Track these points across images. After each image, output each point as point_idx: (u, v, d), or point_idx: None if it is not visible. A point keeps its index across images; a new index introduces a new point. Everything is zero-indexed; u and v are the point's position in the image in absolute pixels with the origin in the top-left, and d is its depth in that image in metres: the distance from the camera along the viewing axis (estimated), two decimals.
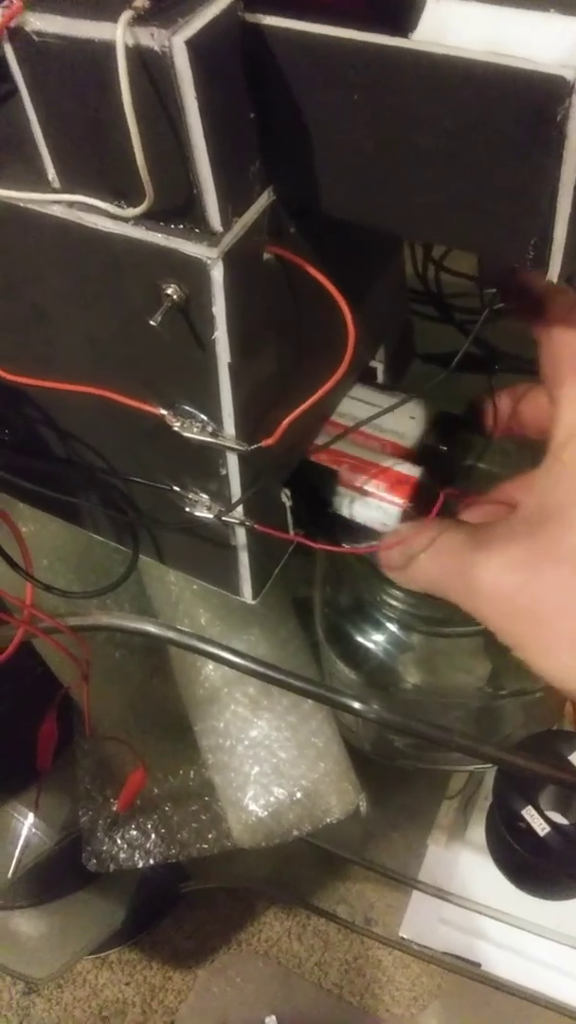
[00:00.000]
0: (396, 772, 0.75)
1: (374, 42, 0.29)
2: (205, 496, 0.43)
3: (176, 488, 0.44)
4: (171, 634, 0.48)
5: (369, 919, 0.95)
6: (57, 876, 0.69)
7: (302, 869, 0.97)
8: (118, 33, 0.29)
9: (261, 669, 0.45)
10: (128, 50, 0.29)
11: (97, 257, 0.37)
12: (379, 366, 0.52)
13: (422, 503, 0.44)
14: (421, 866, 0.81)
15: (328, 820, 0.65)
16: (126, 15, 0.29)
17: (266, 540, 0.45)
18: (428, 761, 0.72)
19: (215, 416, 0.39)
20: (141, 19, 0.29)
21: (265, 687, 0.65)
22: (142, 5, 0.29)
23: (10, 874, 0.64)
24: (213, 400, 0.39)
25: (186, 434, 0.40)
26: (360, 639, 0.60)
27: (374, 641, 0.60)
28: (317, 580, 0.62)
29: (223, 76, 0.30)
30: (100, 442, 0.46)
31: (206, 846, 0.66)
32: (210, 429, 0.40)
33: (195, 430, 0.40)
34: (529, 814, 0.67)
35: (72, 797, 0.66)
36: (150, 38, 0.29)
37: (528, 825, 0.67)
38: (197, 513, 0.43)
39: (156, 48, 0.29)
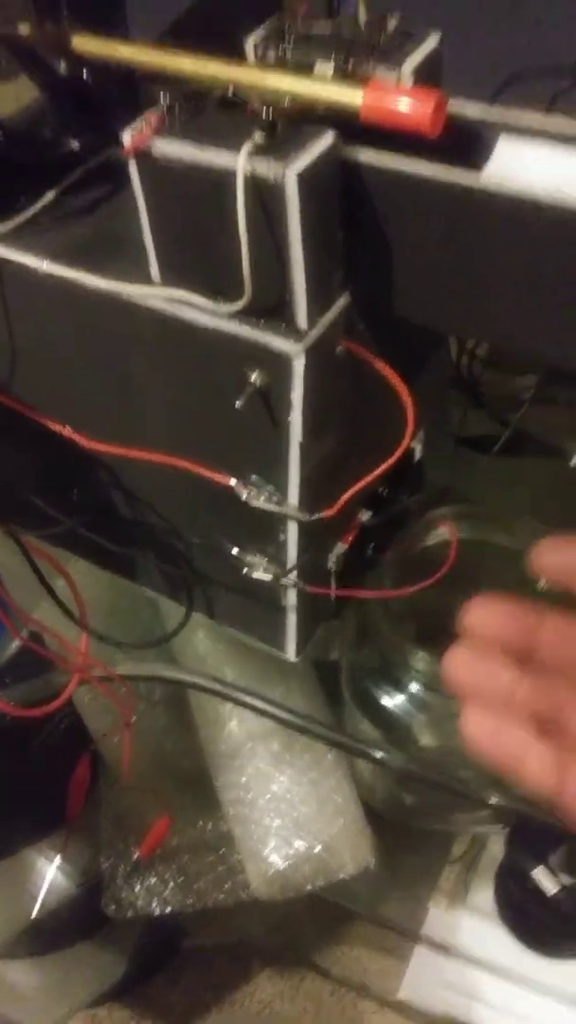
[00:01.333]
0: (403, 832, 0.77)
1: (454, 181, 0.34)
2: (262, 558, 0.47)
3: (235, 550, 0.48)
4: (217, 687, 0.52)
5: (365, 982, 0.96)
6: (66, 925, 0.70)
7: (300, 928, 0.98)
8: (240, 163, 0.34)
9: (307, 725, 0.48)
10: (246, 177, 0.34)
11: (189, 344, 0.41)
12: (418, 446, 0.56)
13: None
14: (423, 926, 0.83)
15: (341, 876, 0.67)
16: (247, 147, 0.34)
17: (313, 601, 0.49)
18: (439, 821, 0.75)
19: (281, 487, 0.43)
20: (259, 151, 0.34)
21: (288, 743, 0.68)
22: (260, 140, 0.34)
23: (33, 914, 0.66)
24: (281, 473, 0.43)
25: (253, 502, 0.44)
26: (384, 699, 0.63)
27: (397, 701, 0.63)
28: (345, 640, 0.65)
29: (323, 202, 0.35)
30: (165, 504, 0.50)
31: (222, 896, 0.68)
32: (275, 499, 0.44)
33: (261, 499, 0.44)
34: (540, 873, 0.69)
35: (94, 843, 0.68)
36: (266, 169, 0.34)
37: (538, 884, 0.70)
38: (254, 574, 0.47)
39: (271, 177, 0.34)
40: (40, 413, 0.50)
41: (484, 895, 0.82)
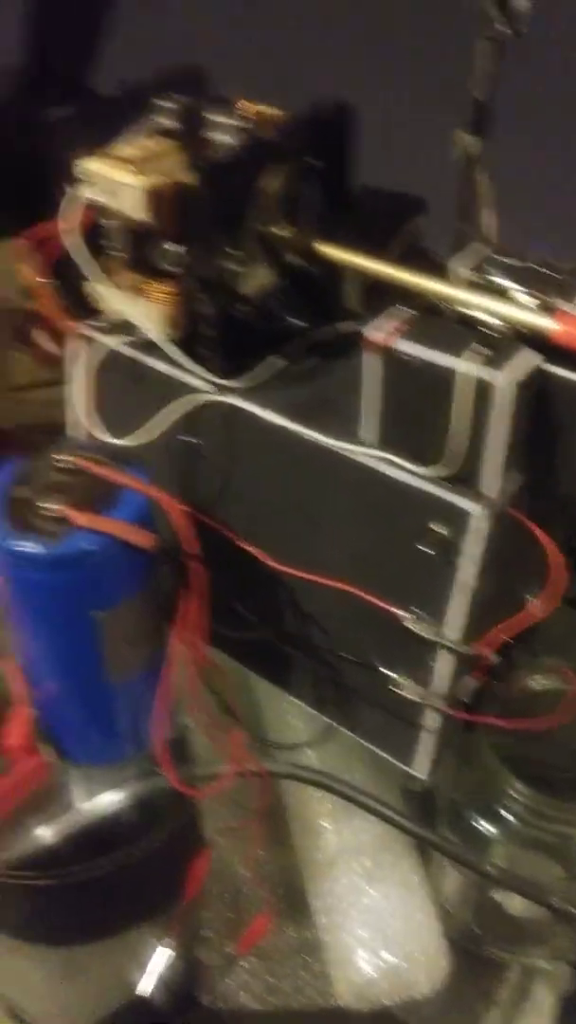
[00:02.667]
0: (471, 959, 0.81)
1: None
2: (410, 681, 0.55)
3: (384, 669, 0.56)
4: (346, 790, 0.58)
5: None
6: (159, 1008, 0.74)
7: None
8: (467, 367, 0.44)
9: (431, 836, 0.55)
10: (469, 379, 0.44)
11: (384, 495, 0.51)
12: None
13: None
14: None
15: (417, 993, 0.71)
16: (472, 356, 0.44)
17: (451, 724, 0.56)
18: (516, 953, 0.78)
19: (442, 620, 0.52)
20: (480, 359, 0.44)
21: (378, 860, 0.74)
22: (482, 350, 0.44)
23: (148, 991, 0.70)
24: (446, 609, 0.51)
25: (415, 631, 0.52)
26: (480, 825, 0.69)
27: (491, 830, 0.69)
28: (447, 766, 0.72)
29: (526, 403, 0.45)
30: (326, 620, 0.59)
31: (305, 1001, 0.72)
32: (435, 630, 0.52)
33: (423, 629, 0.52)
34: None
35: (193, 931, 0.73)
36: (488, 375, 0.44)
37: None
38: (403, 693, 0.55)
39: (492, 382, 0.43)
40: (231, 532, 0.59)
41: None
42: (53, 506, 0.50)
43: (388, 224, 0.64)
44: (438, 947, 0.73)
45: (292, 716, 0.77)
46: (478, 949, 0.79)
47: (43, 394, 2.13)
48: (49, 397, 2.23)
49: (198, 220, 0.51)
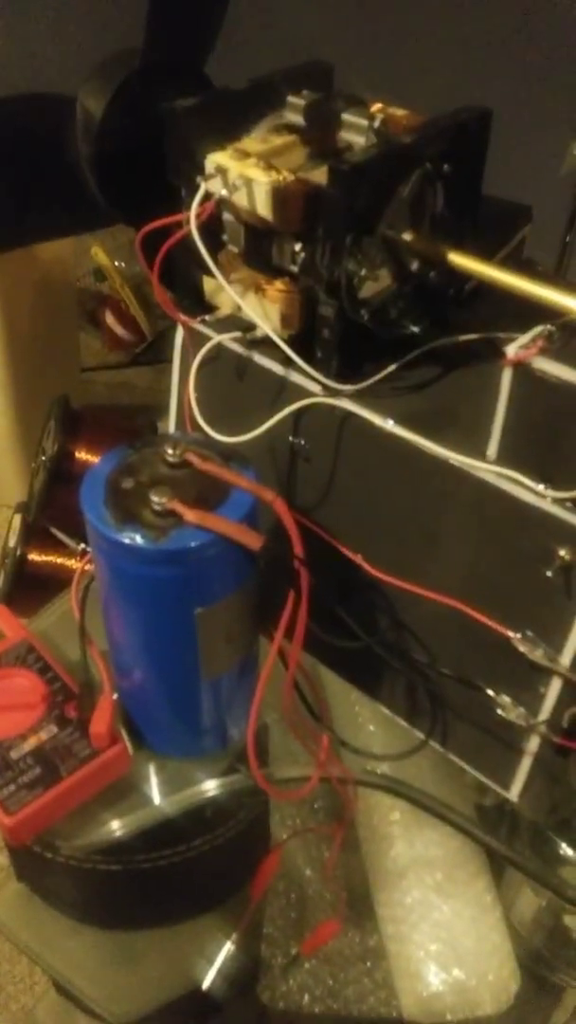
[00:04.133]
0: (535, 983, 0.80)
1: None
2: (515, 704, 0.54)
3: (490, 692, 0.55)
4: (442, 810, 0.57)
5: None
6: (219, 1001, 0.74)
7: None
8: None
9: (510, 855, 0.54)
10: None
11: (506, 515, 0.49)
12: None
13: None
14: None
15: (483, 1012, 0.70)
16: None
17: (549, 748, 0.55)
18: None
19: (558, 647, 0.50)
20: None
21: (451, 875, 0.73)
22: None
23: (206, 985, 0.70)
24: (561, 635, 0.50)
25: (529, 656, 0.51)
26: (562, 848, 0.68)
27: (571, 853, 0.68)
28: None
29: None
30: (430, 636, 0.58)
31: (366, 1008, 0.72)
32: (549, 656, 0.51)
33: (537, 654, 0.51)
34: None
35: (257, 929, 0.73)
36: None
37: None
38: (508, 716, 0.54)
39: None
40: (337, 540, 0.58)
41: None
42: (163, 500, 0.50)
43: (498, 233, 0.63)
44: (509, 970, 0.72)
45: (364, 720, 0.77)
46: (546, 974, 0.78)
47: (109, 376, 2.16)
48: (113, 380, 2.26)
49: (329, 221, 0.50)
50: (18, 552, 1.25)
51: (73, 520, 1.18)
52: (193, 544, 0.49)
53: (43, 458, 1.25)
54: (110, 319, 2.04)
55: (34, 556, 1.26)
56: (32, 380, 1.53)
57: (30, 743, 0.58)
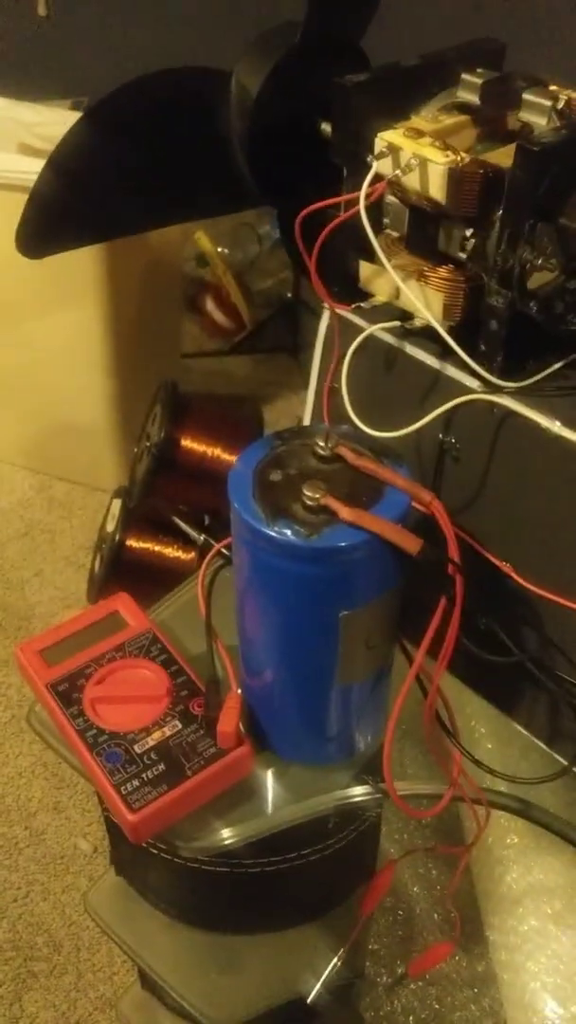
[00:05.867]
0: None
1: None
2: None
3: None
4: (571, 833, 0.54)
5: None
6: (318, 1013, 0.72)
7: None
8: None
9: None
10: None
11: None
12: None
13: None
14: None
15: None
16: None
17: None
18: None
19: None
20: None
21: (571, 904, 0.69)
22: None
23: (311, 998, 0.68)
24: None
25: None
26: None
27: None
28: None
29: None
30: None
31: None
32: None
33: None
34: None
35: (363, 946, 0.71)
36: None
37: None
38: None
39: None
40: (485, 547, 0.55)
41: None
42: (316, 495, 0.47)
43: None
44: None
45: (481, 736, 0.73)
46: None
47: (206, 364, 2.15)
48: (211, 368, 2.24)
49: (510, 205, 0.47)
50: (116, 538, 1.25)
51: (176, 509, 1.17)
52: (347, 543, 0.46)
53: (147, 444, 1.24)
54: (210, 306, 2.02)
55: (132, 542, 1.26)
56: (134, 364, 1.52)
57: (154, 737, 0.56)
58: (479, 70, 0.55)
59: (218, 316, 2.06)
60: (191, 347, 2.03)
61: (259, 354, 2.03)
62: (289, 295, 2.03)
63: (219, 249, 1.99)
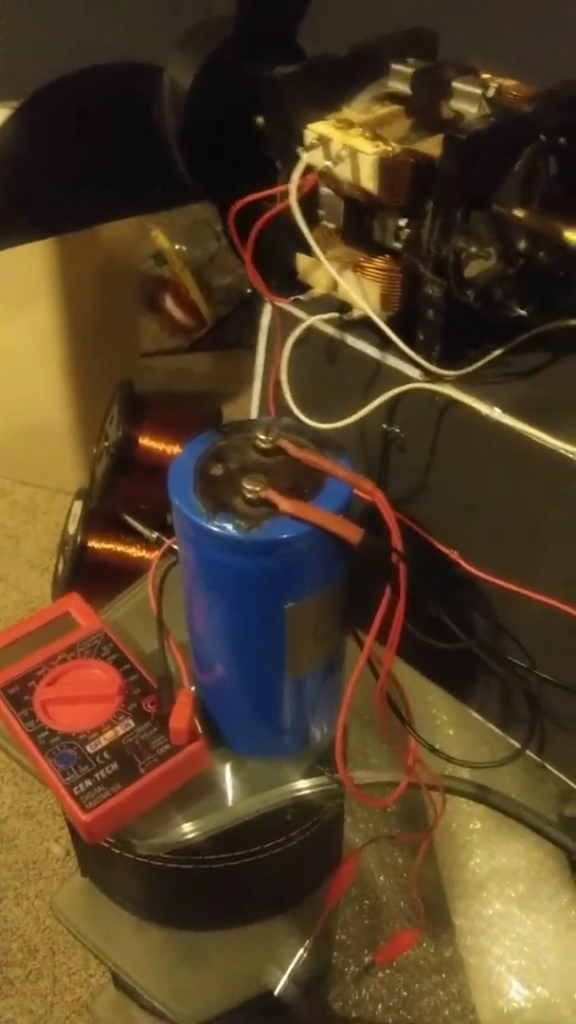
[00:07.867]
0: None
1: None
2: None
3: None
4: (539, 824, 0.54)
5: None
6: (286, 1006, 0.72)
7: None
8: None
9: None
10: None
11: None
12: None
13: None
14: None
15: None
16: None
17: None
18: None
19: None
20: None
21: (534, 888, 0.70)
22: None
23: (278, 990, 0.68)
24: None
25: None
26: None
27: None
28: None
29: None
30: (529, 639, 0.55)
31: (441, 1021, 0.69)
32: None
33: None
34: None
35: (329, 937, 0.71)
36: None
37: None
38: None
39: None
40: (431, 534, 0.55)
41: None
42: (256, 488, 0.47)
43: None
44: None
45: (443, 723, 0.74)
46: None
47: (167, 362, 2.13)
48: (171, 366, 2.23)
49: (441, 194, 0.47)
50: (78, 539, 1.24)
51: (136, 508, 1.17)
52: (288, 535, 0.46)
53: (106, 444, 1.24)
54: (169, 304, 2.02)
55: (94, 544, 1.25)
56: (92, 364, 1.52)
57: (107, 737, 0.56)
58: (410, 60, 0.55)
59: (177, 314, 2.05)
60: (151, 346, 2.02)
61: (220, 351, 2.02)
62: (249, 291, 2.02)
63: (176, 247, 1.99)
